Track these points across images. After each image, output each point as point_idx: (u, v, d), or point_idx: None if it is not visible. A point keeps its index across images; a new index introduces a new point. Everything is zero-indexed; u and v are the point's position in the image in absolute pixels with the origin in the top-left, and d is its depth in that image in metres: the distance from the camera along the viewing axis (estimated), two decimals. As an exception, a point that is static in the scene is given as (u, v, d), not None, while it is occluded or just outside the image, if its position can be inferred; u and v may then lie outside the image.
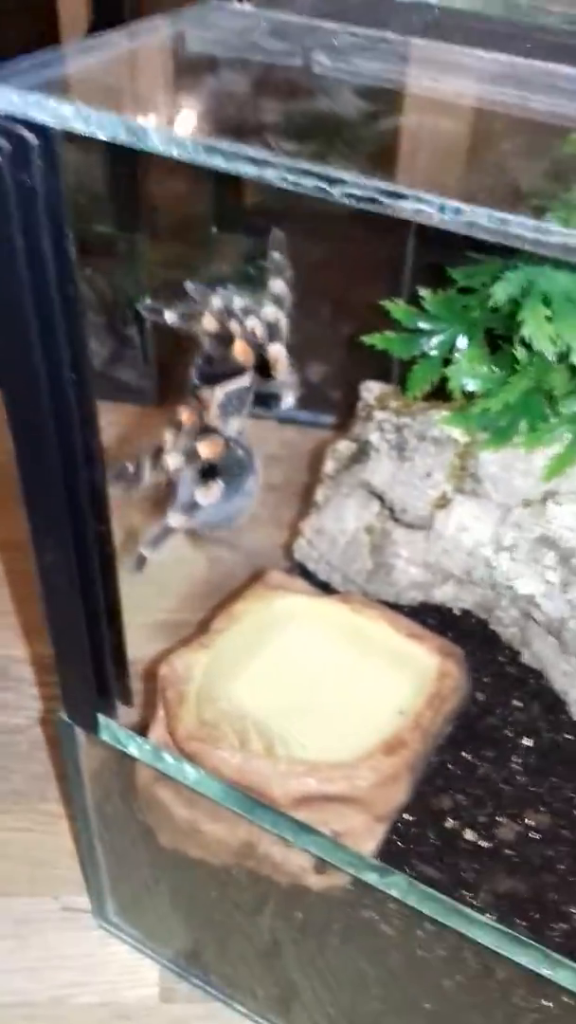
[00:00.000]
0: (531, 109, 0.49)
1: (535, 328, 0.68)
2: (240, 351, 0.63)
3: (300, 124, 0.47)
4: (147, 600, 0.76)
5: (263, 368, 0.65)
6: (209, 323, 0.62)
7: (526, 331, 0.69)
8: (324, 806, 0.68)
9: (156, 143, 0.42)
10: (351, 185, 0.39)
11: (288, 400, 0.67)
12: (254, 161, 0.40)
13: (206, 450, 0.64)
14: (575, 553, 0.79)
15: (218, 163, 0.40)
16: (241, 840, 0.67)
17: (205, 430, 0.65)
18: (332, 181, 0.39)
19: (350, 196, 0.39)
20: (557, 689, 0.82)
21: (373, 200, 0.39)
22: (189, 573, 0.91)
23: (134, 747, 0.67)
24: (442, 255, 0.84)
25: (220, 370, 0.64)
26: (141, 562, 0.66)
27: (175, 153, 0.41)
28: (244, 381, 0.65)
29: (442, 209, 0.38)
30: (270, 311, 0.64)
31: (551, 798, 0.75)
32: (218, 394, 0.65)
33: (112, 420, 1.09)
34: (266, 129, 0.45)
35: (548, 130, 0.48)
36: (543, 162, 0.47)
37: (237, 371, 0.65)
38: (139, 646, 0.74)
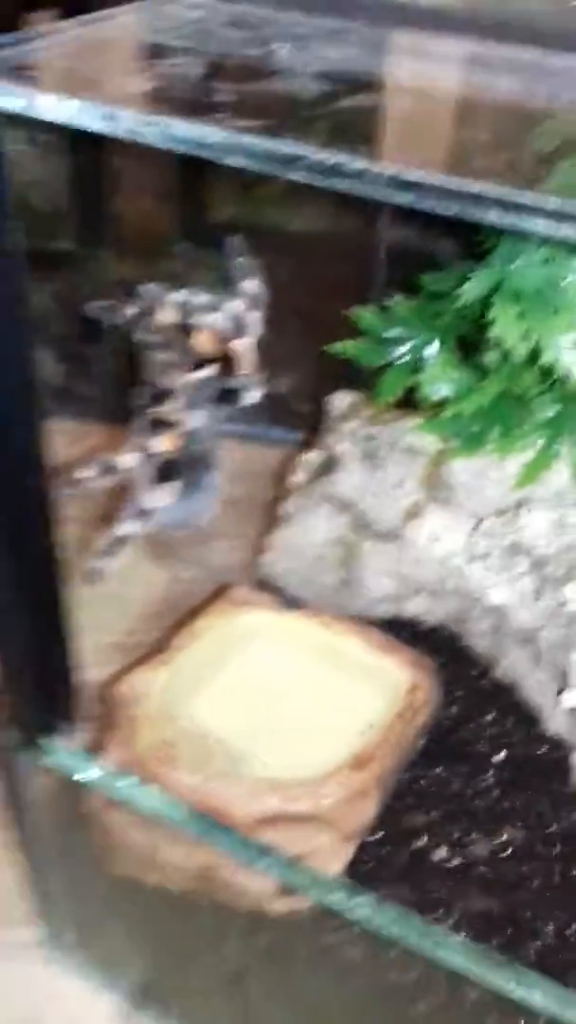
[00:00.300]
0: (491, 90, 0.48)
1: (505, 326, 0.67)
2: (204, 342, 0.62)
3: (251, 105, 0.45)
4: (105, 620, 0.74)
5: (226, 363, 0.63)
6: (168, 316, 0.60)
7: (496, 329, 0.67)
8: (289, 826, 0.65)
9: (92, 119, 0.40)
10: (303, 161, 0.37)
11: (252, 396, 0.65)
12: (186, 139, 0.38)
13: (164, 444, 0.62)
14: (548, 561, 0.77)
15: (157, 139, 0.39)
16: (201, 865, 0.64)
17: (163, 424, 0.63)
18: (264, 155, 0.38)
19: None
20: (531, 702, 0.80)
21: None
22: (149, 591, 0.88)
23: (87, 769, 0.64)
24: (413, 270, 0.83)
25: (182, 362, 0.62)
26: (95, 575, 0.64)
27: (108, 128, 0.39)
28: (208, 372, 0.63)
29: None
30: (235, 305, 0.62)
31: (525, 813, 0.73)
32: (183, 385, 0.63)
33: (72, 439, 1.06)
34: (215, 109, 0.43)
35: (504, 109, 0.47)
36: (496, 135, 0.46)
37: (200, 363, 0.63)
38: (96, 667, 0.72)
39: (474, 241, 0.76)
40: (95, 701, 0.73)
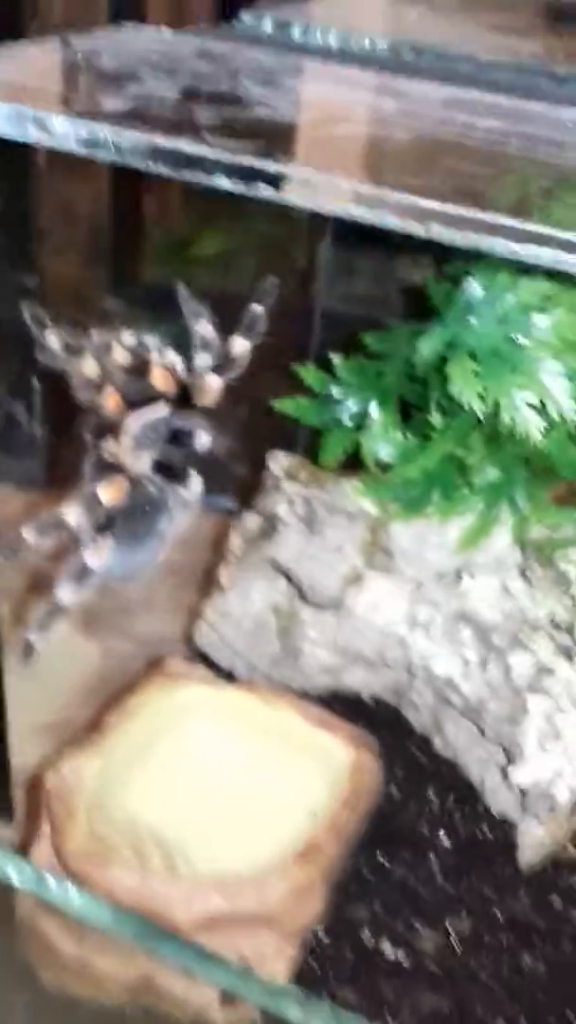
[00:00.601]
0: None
1: (463, 384, 0.65)
2: (159, 377, 0.58)
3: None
4: (31, 698, 0.68)
5: (179, 402, 0.60)
6: (120, 355, 0.56)
7: (454, 387, 0.65)
8: (232, 926, 0.61)
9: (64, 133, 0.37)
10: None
11: (202, 439, 0.61)
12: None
13: (107, 494, 0.57)
14: (493, 629, 0.75)
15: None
16: (137, 974, 0.59)
17: (110, 468, 0.58)
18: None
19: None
20: (472, 778, 0.77)
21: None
22: (78, 666, 0.82)
23: (12, 870, 0.58)
24: (347, 334, 0.82)
25: (134, 399, 0.58)
26: (29, 650, 0.58)
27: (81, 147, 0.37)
28: (161, 411, 0.59)
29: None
30: (203, 359, 0.59)
31: (470, 900, 0.70)
32: (132, 424, 0.58)
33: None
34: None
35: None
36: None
37: (154, 400, 0.59)
38: (20, 751, 0.66)
39: (411, 302, 0.75)
40: (21, 790, 0.67)
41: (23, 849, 0.63)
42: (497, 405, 0.66)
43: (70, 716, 0.77)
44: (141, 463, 0.61)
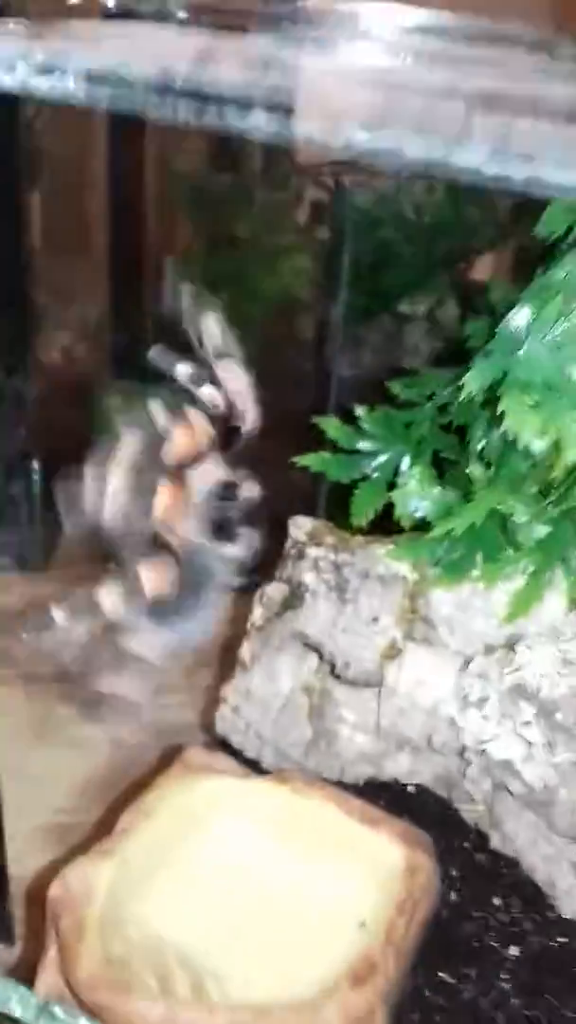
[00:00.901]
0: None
1: (518, 420, 0.59)
2: (183, 439, 0.52)
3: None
4: (29, 797, 0.61)
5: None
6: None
7: (508, 424, 0.59)
8: (277, 1065, 0.51)
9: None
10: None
11: (251, 488, 0.55)
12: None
13: (151, 579, 0.49)
14: (558, 706, 0.66)
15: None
16: None
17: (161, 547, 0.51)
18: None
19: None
20: (538, 879, 0.68)
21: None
22: (84, 758, 0.75)
23: (15, 1002, 0.48)
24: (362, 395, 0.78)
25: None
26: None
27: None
28: (213, 473, 0.55)
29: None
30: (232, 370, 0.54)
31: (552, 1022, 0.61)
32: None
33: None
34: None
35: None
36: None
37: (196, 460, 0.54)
38: (22, 858, 0.58)
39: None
40: (22, 905, 0.58)
41: (26, 975, 0.54)
42: (558, 442, 0.60)
43: (77, 816, 0.70)
44: (191, 531, 0.56)
